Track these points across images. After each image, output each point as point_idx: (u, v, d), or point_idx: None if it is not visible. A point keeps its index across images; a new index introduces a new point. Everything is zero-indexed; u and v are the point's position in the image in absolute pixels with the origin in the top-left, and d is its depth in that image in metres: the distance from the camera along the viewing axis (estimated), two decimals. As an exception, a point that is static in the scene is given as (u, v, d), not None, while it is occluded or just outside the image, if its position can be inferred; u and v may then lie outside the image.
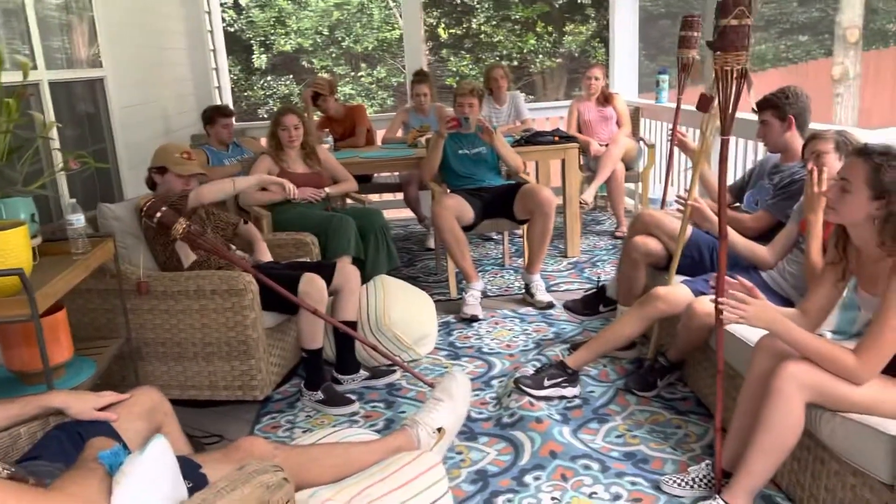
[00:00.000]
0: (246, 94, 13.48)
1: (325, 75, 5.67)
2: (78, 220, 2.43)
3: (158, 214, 2.80)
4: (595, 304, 3.64)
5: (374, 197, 6.34)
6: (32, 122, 2.49)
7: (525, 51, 14.30)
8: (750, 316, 1.94)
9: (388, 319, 3.22)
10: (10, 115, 2.22)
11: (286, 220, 3.81)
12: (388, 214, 6.46)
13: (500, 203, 4.08)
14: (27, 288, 1.89)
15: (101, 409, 1.77)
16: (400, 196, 5.72)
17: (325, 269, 3.10)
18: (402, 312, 3.28)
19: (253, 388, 2.87)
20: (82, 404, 1.73)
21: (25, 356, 2.20)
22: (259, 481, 1.41)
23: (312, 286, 2.88)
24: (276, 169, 3.97)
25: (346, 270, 3.14)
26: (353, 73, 13.89)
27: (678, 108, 3.52)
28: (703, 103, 2.60)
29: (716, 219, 2.70)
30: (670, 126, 3.43)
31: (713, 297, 2.03)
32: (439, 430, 2.22)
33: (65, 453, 1.62)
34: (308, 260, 3.42)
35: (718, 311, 1.99)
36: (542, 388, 2.80)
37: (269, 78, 13.63)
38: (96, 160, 3.86)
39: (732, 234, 2.69)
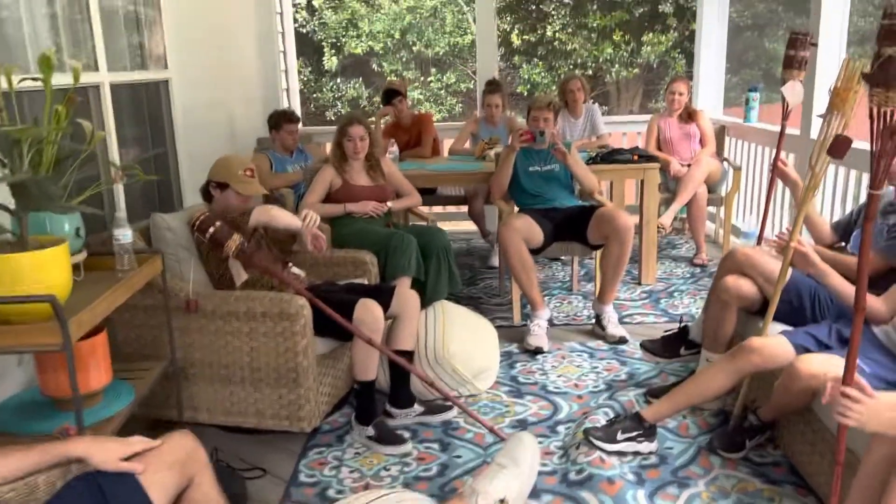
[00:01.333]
0: (315, 95, 13.48)
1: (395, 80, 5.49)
2: (124, 235, 2.28)
3: (211, 230, 2.65)
4: (676, 345, 3.33)
5: (438, 209, 6.15)
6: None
7: (601, 60, 13.90)
8: (865, 421, 1.65)
9: (447, 351, 2.99)
10: (59, 123, 2.08)
11: (346, 236, 3.63)
12: (451, 226, 6.30)
13: (573, 225, 3.81)
14: (59, 316, 1.73)
15: (129, 458, 1.59)
16: (464, 209, 5.50)
17: (384, 294, 2.90)
18: (462, 343, 3.04)
19: (300, 419, 2.68)
20: (106, 453, 1.55)
21: (60, 381, 2.05)
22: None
23: (368, 314, 2.68)
24: (338, 181, 3.80)
25: (406, 296, 2.93)
26: (422, 78, 13.75)
27: (782, 133, 3.18)
28: (840, 147, 2.04)
29: (825, 266, 2.38)
30: (764, 147, 3.09)
31: (821, 354, 1.73)
32: (501, 501, 1.97)
33: (82, 511, 1.45)
34: (366, 282, 3.22)
35: (837, 412, 1.70)
36: (615, 441, 2.52)
37: (338, 80, 13.61)
38: (157, 165, 3.79)
39: (843, 285, 2.36)
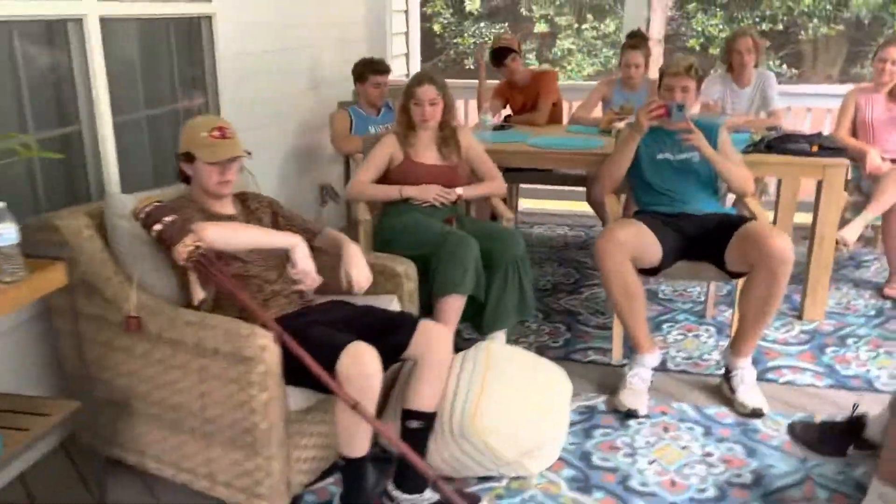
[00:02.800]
0: (455, 41, 12.44)
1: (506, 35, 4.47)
2: (0, 236, 1.61)
3: (157, 227, 1.92)
4: (841, 440, 2.21)
5: (547, 187, 5.07)
6: None
7: (796, 12, 11.79)
8: None
9: (479, 421, 2.10)
10: None
11: (394, 230, 2.82)
12: (566, 206, 5.27)
13: (708, 240, 2.75)
14: None
15: None
16: (582, 190, 4.46)
17: (401, 329, 2.07)
18: (505, 408, 2.14)
19: (258, 496, 1.95)
20: None
21: None
22: None
23: (357, 367, 1.86)
24: (399, 155, 2.97)
25: (432, 334, 2.08)
26: (575, 26, 12.25)
27: None
28: None
29: None
30: None
31: None
32: None
33: None
34: (394, 303, 2.39)
35: None
36: None
37: (481, 24, 12.43)
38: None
39: None
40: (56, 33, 2.38)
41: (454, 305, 2.56)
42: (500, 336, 2.75)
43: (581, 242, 4.57)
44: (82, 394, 2.17)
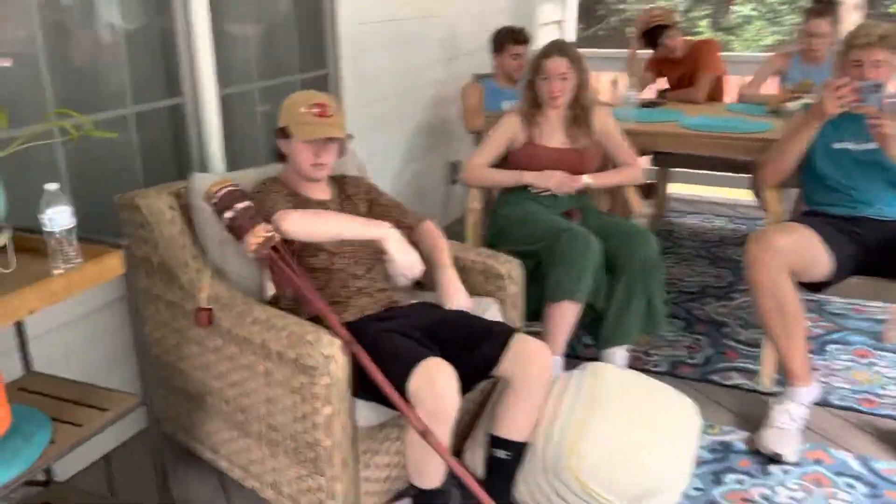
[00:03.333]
0: (621, 6, 11.54)
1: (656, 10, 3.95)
2: (56, 219, 1.50)
3: (229, 214, 1.76)
4: None
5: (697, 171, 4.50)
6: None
7: None
8: None
9: (577, 460, 1.77)
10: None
11: (505, 220, 2.52)
12: (722, 193, 4.67)
13: (894, 253, 2.22)
14: None
15: None
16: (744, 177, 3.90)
17: (490, 343, 1.79)
18: (607, 449, 1.79)
19: (322, 516, 1.76)
20: None
21: None
22: None
23: (430, 388, 1.60)
24: (522, 136, 2.65)
25: (528, 351, 1.78)
26: None
27: None
28: None
29: None
30: None
31: None
32: None
33: None
34: (494, 309, 2.09)
35: None
36: None
37: None
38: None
39: None
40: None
41: (566, 313, 2.23)
42: (619, 354, 2.38)
43: (740, 238, 4.01)
44: (165, 381, 2.09)
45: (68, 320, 1.99)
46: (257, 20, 2.74)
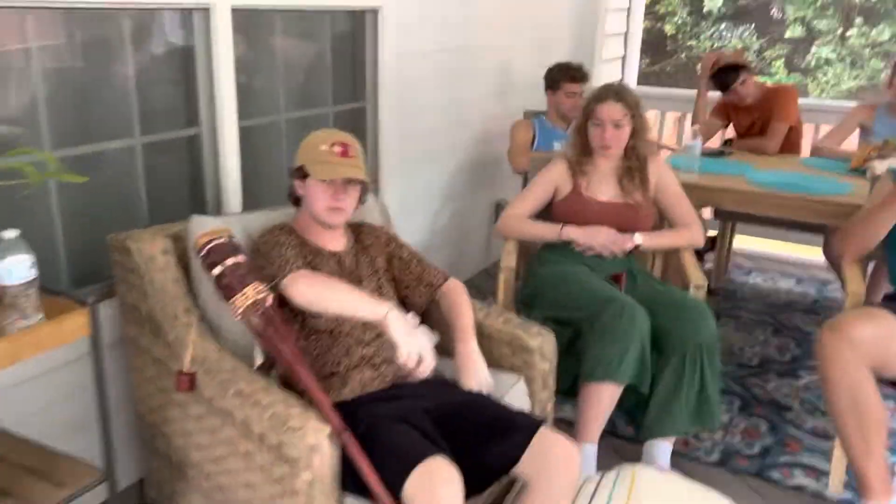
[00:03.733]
0: (690, 43, 11.09)
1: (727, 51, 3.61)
2: (10, 272, 1.31)
3: (218, 269, 1.54)
4: None
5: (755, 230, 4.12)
6: None
7: None
8: None
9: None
10: None
11: (542, 280, 2.25)
12: (790, 251, 4.28)
13: None
14: None
15: None
16: (819, 240, 3.54)
17: (512, 436, 1.53)
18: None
19: None
20: None
21: None
22: None
23: (428, 489, 1.34)
24: (567, 185, 2.39)
25: (553, 450, 1.52)
26: (838, 31, 10.36)
27: None
28: None
29: None
30: None
31: None
32: None
33: None
34: (510, 397, 1.81)
35: None
36: None
37: (721, 26, 10.94)
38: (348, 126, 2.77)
39: None
40: (179, 24, 2.12)
41: (604, 395, 1.94)
42: (662, 448, 2.05)
43: (809, 304, 3.64)
44: (149, 443, 1.89)
45: (33, 374, 1.79)
46: (288, 45, 2.57)
